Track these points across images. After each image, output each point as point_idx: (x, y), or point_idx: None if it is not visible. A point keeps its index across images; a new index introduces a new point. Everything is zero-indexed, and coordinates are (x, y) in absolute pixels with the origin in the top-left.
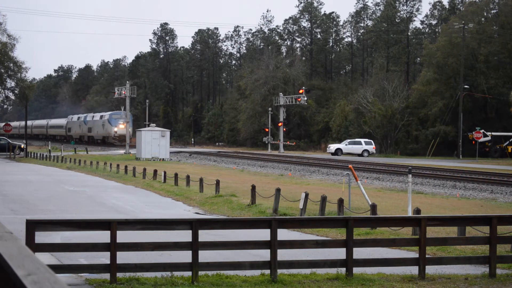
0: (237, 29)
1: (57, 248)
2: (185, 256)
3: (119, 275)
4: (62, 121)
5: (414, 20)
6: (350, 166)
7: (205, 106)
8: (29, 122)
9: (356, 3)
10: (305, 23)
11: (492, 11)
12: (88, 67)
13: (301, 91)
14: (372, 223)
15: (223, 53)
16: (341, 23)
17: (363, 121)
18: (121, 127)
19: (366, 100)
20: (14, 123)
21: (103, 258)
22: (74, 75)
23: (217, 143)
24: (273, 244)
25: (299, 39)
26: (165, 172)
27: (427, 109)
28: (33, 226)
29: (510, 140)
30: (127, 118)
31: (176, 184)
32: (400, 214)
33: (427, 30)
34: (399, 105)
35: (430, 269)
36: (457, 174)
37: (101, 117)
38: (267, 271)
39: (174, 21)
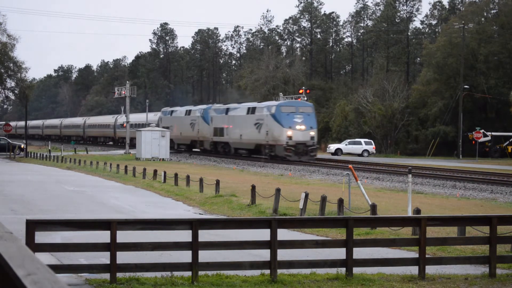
0: (237, 29)
1: (57, 248)
2: (185, 256)
3: (119, 275)
4: (150, 116)
5: (414, 20)
6: (350, 166)
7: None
8: (70, 120)
9: (356, 3)
10: (305, 23)
11: (492, 11)
12: (88, 67)
13: (301, 91)
14: (372, 223)
15: (223, 53)
16: (341, 23)
17: (363, 121)
18: (300, 129)
19: (366, 100)
20: (50, 121)
21: (103, 258)
22: (74, 75)
23: None
24: (273, 244)
25: (299, 39)
26: (165, 172)
27: (427, 109)
28: (33, 226)
29: (510, 140)
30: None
31: (176, 184)
32: (400, 214)
33: (427, 30)
34: (399, 105)
35: (430, 269)
36: (457, 174)
37: (254, 109)
38: (267, 271)
39: (174, 21)
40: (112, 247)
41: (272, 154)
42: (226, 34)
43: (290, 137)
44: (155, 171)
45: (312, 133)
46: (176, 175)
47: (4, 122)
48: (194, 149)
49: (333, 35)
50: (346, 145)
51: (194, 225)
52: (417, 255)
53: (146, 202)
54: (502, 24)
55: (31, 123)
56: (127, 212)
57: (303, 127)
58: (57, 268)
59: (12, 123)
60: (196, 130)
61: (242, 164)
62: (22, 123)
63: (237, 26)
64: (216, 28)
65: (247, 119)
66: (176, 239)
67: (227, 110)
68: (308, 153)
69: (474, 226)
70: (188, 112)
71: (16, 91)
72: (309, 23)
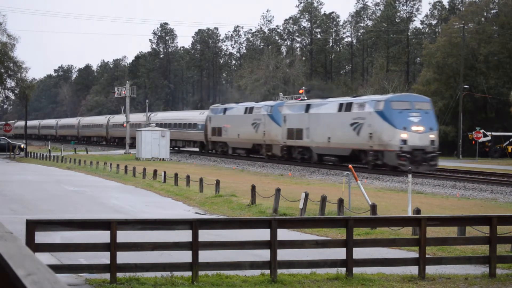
0: (237, 29)
1: (57, 248)
2: (185, 256)
3: (119, 275)
4: (193, 115)
5: (414, 20)
6: (350, 166)
7: (205, 106)
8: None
9: (356, 3)
10: (305, 23)
11: (492, 11)
12: (88, 67)
13: (301, 91)
14: (372, 223)
15: (223, 53)
16: (341, 23)
17: None
18: (417, 131)
19: None
20: (46, 121)
21: (103, 258)
22: (74, 75)
23: None
24: (273, 244)
25: (299, 39)
26: (165, 172)
27: None
28: (33, 226)
29: (510, 140)
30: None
31: (176, 184)
32: (400, 214)
33: (427, 30)
34: None
35: (430, 269)
36: (457, 174)
37: (350, 106)
38: (267, 271)
39: (174, 21)
40: (112, 247)
41: (379, 163)
42: (226, 34)
43: (404, 141)
44: (155, 171)
45: (432, 136)
46: (176, 175)
47: (4, 122)
48: (257, 155)
49: (333, 35)
50: None
51: (194, 225)
52: (417, 255)
53: (146, 202)
54: (502, 24)
55: (28, 123)
56: (127, 212)
57: (420, 128)
58: (57, 268)
59: (47, 121)
60: (260, 131)
61: (242, 164)
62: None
63: (237, 26)
64: (216, 28)
65: (339, 118)
66: (176, 239)
67: (308, 107)
68: (427, 161)
69: (474, 226)
70: (249, 110)
71: (16, 91)
72: (309, 23)
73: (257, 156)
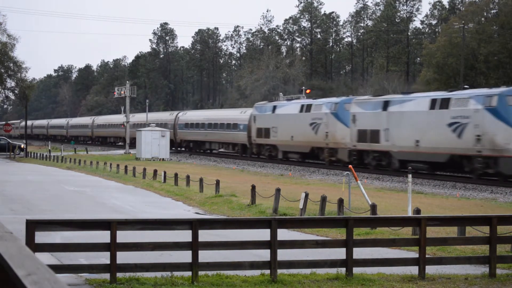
0: (237, 29)
1: (57, 248)
2: (185, 256)
3: (119, 275)
4: (233, 114)
5: (414, 20)
6: (350, 166)
7: (205, 106)
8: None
9: (356, 3)
10: (305, 23)
11: (492, 11)
12: (88, 67)
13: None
14: (372, 223)
15: (223, 53)
16: (341, 23)
17: None
18: None
19: None
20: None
21: (103, 258)
22: (74, 75)
23: None
24: (273, 244)
25: (299, 39)
26: (165, 172)
27: None
28: (33, 226)
29: None
30: (127, 118)
31: (176, 184)
32: (400, 214)
33: (427, 30)
34: None
35: (430, 269)
36: (457, 174)
37: (454, 101)
38: (267, 271)
39: (174, 21)
40: (112, 247)
41: (491, 171)
42: (226, 34)
43: None
44: (155, 171)
45: None
46: (176, 175)
47: (4, 122)
48: (315, 161)
49: (333, 35)
50: None
51: (194, 225)
52: (417, 255)
53: (146, 202)
54: (502, 24)
55: (36, 122)
56: (127, 212)
57: None
58: (57, 268)
59: (29, 122)
60: (322, 133)
61: (242, 164)
62: (33, 122)
63: (237, 26)
64: (216, 28)
65: (431, 117)
66: (176, 239)
67: (386, 104)
68: None
69: (474, 226)
70: (307, 108)
71: (16, 91)
72: (309, 23)
73: (316, 161)
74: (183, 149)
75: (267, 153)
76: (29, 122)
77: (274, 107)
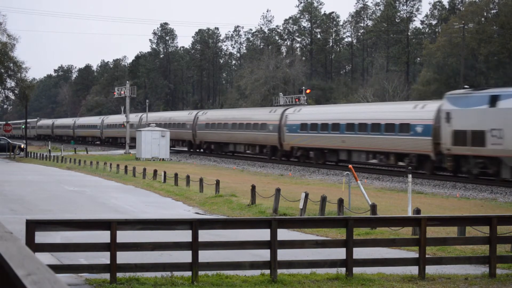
0: (237, 29)
1: (57, 248)
2: (185, 256)
3: (119, 275)
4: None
5: (414, 20)
6: (350, 166)
7: (205, 106)
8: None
9: (356, 3)
10: (305, 23)
11: (492, 11)
12: (88, 67)
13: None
14: (372, 223)
15: (223, 53)
16: (341, 23)
17: None
18: None
19: (366, 100)
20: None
21: (103, 258)
22: (74, 75)
23: None
24: (273, 244)
25: (299, 39)
26: (165, 172)
27: None
28: (33, 226)
29: None
30: (127, 118)
31: (176, 184)
32: (400, 214)
33: (427, 30)
34: None
35: (430, 269)
36: (457, 174)
37: None
38: (267, 271)
39: (174, 21)
40: (112, 247)
41: None
42: (226, 34)
43: None
44: (155, 171)
45: None
46: (176, 175)
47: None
48: None
49: (333, 35)
50: None
51: (194, 225)
52: (417, 255)
53: (146, 202)
54: (502, 24)
55: (40, 122)
56: (127, 212)
57: None
58: (57, 268)
59: (47, 121)
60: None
61: (242, 164)
62: (43, 121)
63: (237, 26)
64: (216, 28)
65: None
66: (176, 239)
67: (494, 98)
68: None
69: (474, 226)
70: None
71: (16, 91)
72: (309, 23)
73: None
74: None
75: (476, 170)
76: (49, 121)
77: (494, 98)
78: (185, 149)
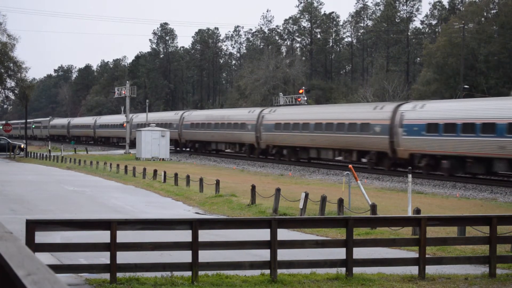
0: (237, 29)
1: (57, 248)
2: (185, 256)
3: (119, 275)
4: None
5: (414, 20)
6: (350, 166)
7: (205, 106)
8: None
9: (356, 3)
10: (305, 23)
11: (492, 11)
12: (88, 67)
13: (301, 91)
14: (372, 223)
15: (223, 53)
16: (341, 23)
17: None
18: None
19: (366, 100)
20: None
21: (103, 258)
22: (74, 75)
23: None
24: (273, 244)
25: (299, 39)
26: (165, 172)
27: None
28: (33, 226)
29: None
30: (127, 118)
31: (176, 184)
32: (400, 214)
33: (427, 30)
34: None
35: (430, 269)
36: (457, 174)
37: None
38: (267, 271)
39: (174, 21)
40: (112, 247)
41: None
42: (226, 34)
43: None
44: (155, 171)
45: None
46: (176, 175)
47: (4, 122)
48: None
49: (333, 35)
50: None
51: (194, 225)
52: (417, 255)
53: (146, 202)
54: (502, 24)
55: (54, 121)
56: (127, 212)
57: None
58: (57, 268)
59: (61, 119)
60: None
61: (242, 164)
62: (57, 121)
63: (237, 26)
64: (216, 28)
65: None
66: (176, 239)
67: None
68: None
69: (474, 226)
70: None
71: (16, 91)
72: (309, 23)
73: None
74: (187, 149)
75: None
76: (63, 120)
77: None
78: (172, 147)
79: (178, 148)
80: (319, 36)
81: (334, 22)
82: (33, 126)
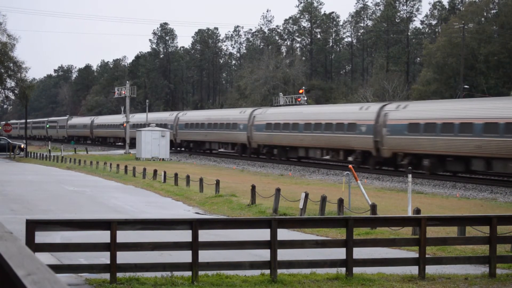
0: (237, 29)
1: (57, 248)
2: (185, 256)
3: (119, 275)
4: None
5: (414, 20)
6: (350, 166)
7: (205, 106)
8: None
9: (356, 3)
10: (305, 23)
11: (492, 11)
12: (88, 67)
13: (301, 91)
14: (372, 223)
15: (223, 53)
16: (341, 23)
17: None
18: None
19: (366, 100)
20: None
21: (103, 258)
22: (74, 75)
23: None
24: (273, 244)
25: (299, 39)
26: (165, 172)
27: None
28: (33, 226)
29: None
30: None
31: (176, 184)
32: (400, 214)
33: (427, 30)
34: None
35: (430, 269)
36: (457, 174)
37: None
38: (267, 271)
39: (174, 21)
40: (112, 247)
41: None
42: (226, 34)
43: None
44: (155, 171)
45: None
46: (176, 175)
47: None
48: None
49: (333, 35)
50: None
51: (194, 225)
52: (417, 255)
53: (146, 202)
54: (502, 24)
55: (74, 121)
56: (127, 212)
57: None
58: (57, 268)
59: (83, 118)
60: None
61: (242, 164)
62: (76, 120)
63: (237, 26)
64: (216, 28)
65: None
66: (176, 239)
67: None
68: None
69: (474, 226)
70: None
71: (16, 91)
72: (309, 23)
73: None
74: (182, 149)
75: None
76: (86, 119)
77: None
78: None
79: (173, 148)
80: (319, 36)
81: (334, 22)
82: (47, 126)
